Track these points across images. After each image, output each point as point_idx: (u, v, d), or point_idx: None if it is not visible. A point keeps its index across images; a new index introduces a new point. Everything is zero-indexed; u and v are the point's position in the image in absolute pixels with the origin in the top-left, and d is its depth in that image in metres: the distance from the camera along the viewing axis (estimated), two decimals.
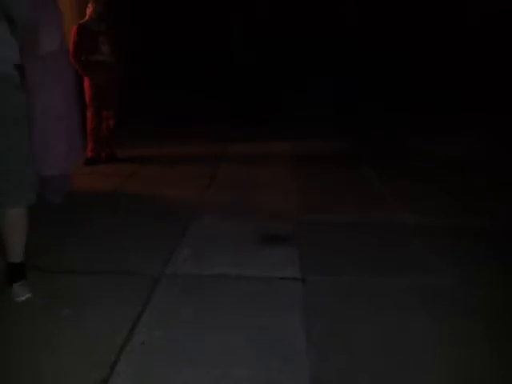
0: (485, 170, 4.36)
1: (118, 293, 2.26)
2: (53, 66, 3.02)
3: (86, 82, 4.47)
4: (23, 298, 2.13)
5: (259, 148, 5.38)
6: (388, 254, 2.67)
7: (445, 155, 4.91)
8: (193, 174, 4.27)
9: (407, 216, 3.24)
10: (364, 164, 4.66)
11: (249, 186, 3.97)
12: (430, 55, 8.27)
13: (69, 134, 3.27)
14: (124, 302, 2.16)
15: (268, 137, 5.80)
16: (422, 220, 3.16)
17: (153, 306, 2.13)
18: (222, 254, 2.66)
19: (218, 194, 3.79)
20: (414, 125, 6.40)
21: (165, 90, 7.42)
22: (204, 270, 2.47)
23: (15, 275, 2.15)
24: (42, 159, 3.04)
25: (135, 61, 7.23)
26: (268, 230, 2.99)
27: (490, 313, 2.09)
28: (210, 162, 4.75)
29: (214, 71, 8.38)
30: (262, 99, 7.73)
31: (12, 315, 2.08)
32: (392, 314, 2.08)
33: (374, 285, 2.34)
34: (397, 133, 6.01)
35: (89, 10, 4.44)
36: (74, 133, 3.35)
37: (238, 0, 8.46)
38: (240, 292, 2.26)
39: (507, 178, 4.06)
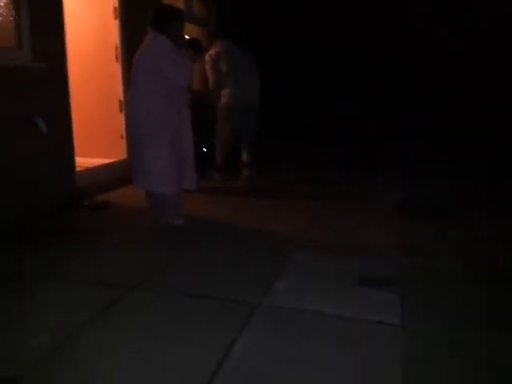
0: None
1: (217, 317, 2.34)
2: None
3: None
4: (244, 176, 5.51)
5: (361, 190, 5.31)
6: (496, 307, 2.45)
7: None
8: (295, 211, 4.34)
9: None
10: (468, 213, 4.37)
11: (349, 226, 3.91)
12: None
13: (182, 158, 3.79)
14: (221, 327, 2.23)
15: (371, 181, 5.71)
16: None
17: (248, 334, 2.17)
18: (320, 291, 2.63)
19: (318, 232, 3.79)
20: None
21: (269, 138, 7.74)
22: (301, 305, 2.46)
23: (244, 167, 5.51)
24: (159, 177, 3.56)
25: None
26: (368, 271, 2.91)
27: None
28: (311, 201, 4.80)
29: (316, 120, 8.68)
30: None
31: (120, 331, 2.26)
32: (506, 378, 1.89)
33: (482, 340, 2.15)
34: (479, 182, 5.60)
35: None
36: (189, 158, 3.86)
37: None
38: (336, 331, 2.21)
39: None
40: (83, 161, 4.85)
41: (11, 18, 3.72)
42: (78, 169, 4.62)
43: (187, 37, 4.11)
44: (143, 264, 3.06)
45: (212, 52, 5.18)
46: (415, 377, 1.87)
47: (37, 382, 1.85)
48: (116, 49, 5.17)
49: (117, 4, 5.09)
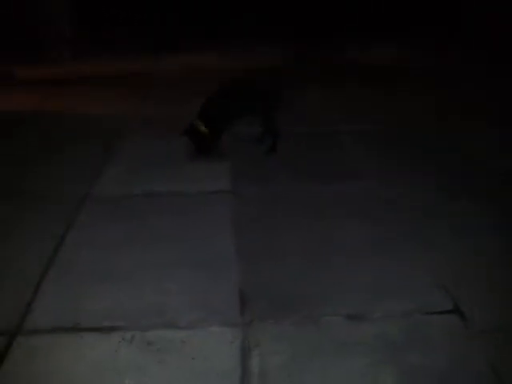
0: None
1: (43, 215, 2.16)
2: None
3: None
4: None
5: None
6: (319, 164, 2.69)
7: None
8: (123, 92, 4.03)
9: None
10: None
11: (179, 100, 3.78)
12: None
13: None
14: (48, 223, 2.08)
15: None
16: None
17: (78, 226, 2.06)
18: (150, 172, 2.57)
19: (145, 112, 3.59)
20: None
21: None
22: (131, 189, 2.39)
23: None
24: None
25: None
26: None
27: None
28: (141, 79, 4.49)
29: None
30: None
31: None
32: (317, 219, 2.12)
33: (305, 193, 2.37)
34: None
35: None
36: None
37: None
38: (170, 208, 2.22)
39: None
40: None
41: None
42: None
43: None
44: None
45: None
46: (244, 232, 2.01)
47: None
48: None
49: None
